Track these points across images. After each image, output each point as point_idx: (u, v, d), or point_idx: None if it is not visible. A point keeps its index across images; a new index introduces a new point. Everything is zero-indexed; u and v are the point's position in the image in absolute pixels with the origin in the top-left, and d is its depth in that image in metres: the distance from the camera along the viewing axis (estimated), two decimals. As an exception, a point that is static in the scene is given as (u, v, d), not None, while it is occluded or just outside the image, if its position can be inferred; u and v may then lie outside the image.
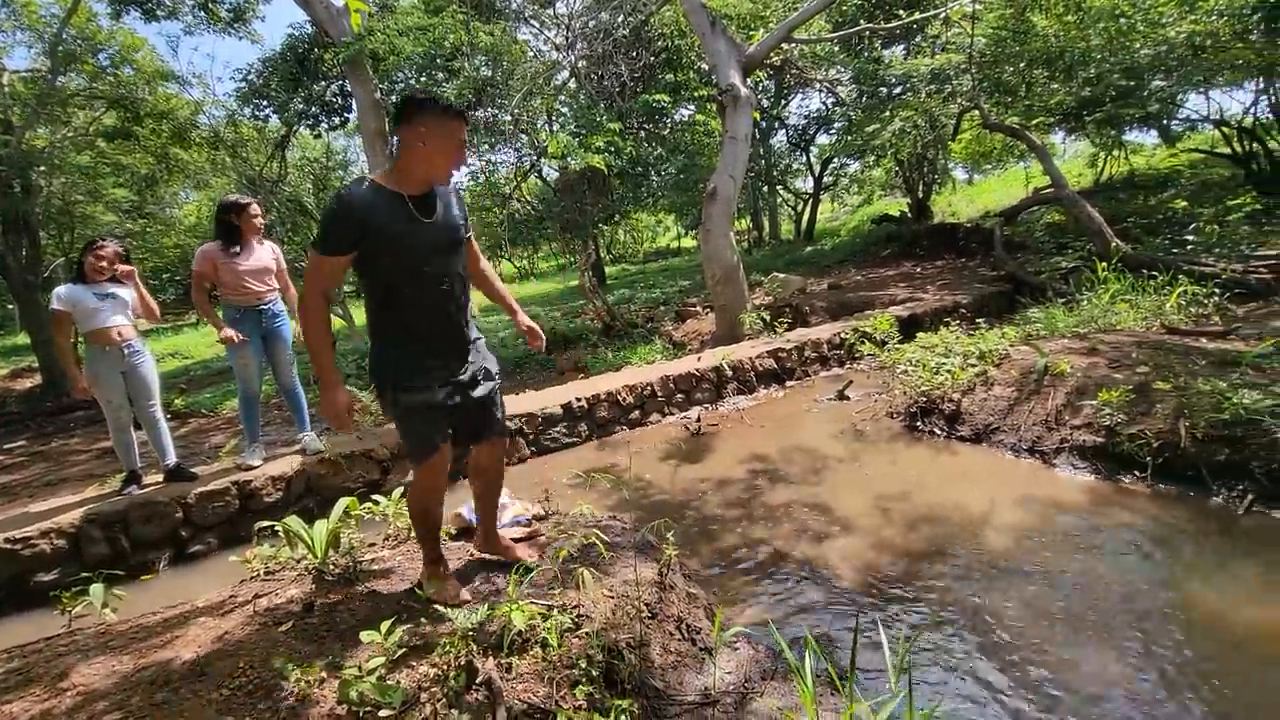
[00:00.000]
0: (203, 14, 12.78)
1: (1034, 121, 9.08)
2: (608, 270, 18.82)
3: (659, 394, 5.33)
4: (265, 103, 12.15)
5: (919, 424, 4.26)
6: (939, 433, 4.13)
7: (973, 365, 4.33)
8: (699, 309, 9.51)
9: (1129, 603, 2.26)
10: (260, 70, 11.77)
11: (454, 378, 2.01)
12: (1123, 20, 7.93)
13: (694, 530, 3.17)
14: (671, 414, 5.34)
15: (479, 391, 2.08)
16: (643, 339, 8.27)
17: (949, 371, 4.33)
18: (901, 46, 13.27)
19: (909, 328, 6.04)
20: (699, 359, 5.88)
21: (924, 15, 10.02)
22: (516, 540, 2.46)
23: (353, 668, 1.68)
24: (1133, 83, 8.75)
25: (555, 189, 11.82)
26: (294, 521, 2.44)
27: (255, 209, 3.91)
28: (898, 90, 11.51)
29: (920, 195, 14.57)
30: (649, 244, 29.74)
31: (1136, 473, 3.18)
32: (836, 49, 11.43)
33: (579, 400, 4.96)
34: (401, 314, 1.93)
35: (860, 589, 2.53)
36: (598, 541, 2.24)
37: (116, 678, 1.80)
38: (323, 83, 11.79)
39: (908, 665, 1.80)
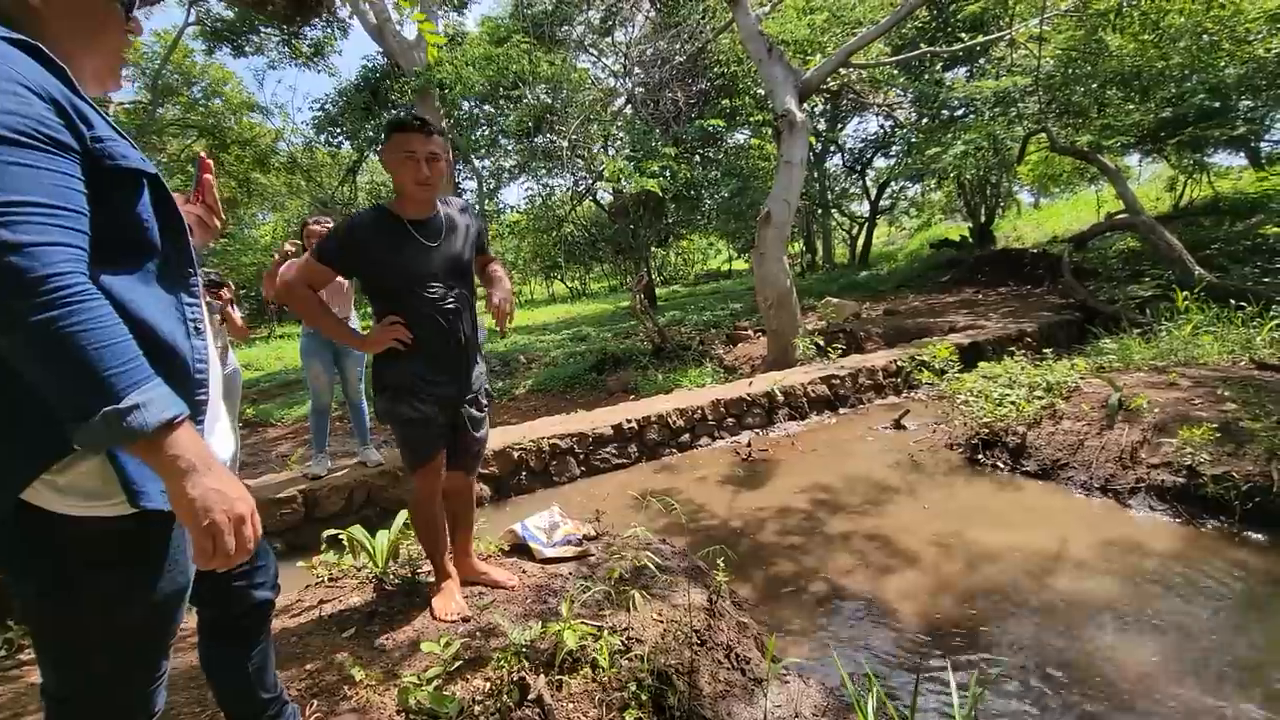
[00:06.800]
0: (286, 49, 13.79)
1: (1108, 143, 8.74)
2: (659, 292, 18.95)
3: (709, 418, 5.31)
4: (339, 130, 12.90)
5: (980, 457, 4.10)
6: (1002, 467, 3.97)
7: (1039, 397, 4.15)
8: (751, 332, 9.44)
9: (1219, 658, 2.11)
10: (336, 100, 12.52)
11: (451, 397, 2.06)
12: (1206, 38, 7.58)
13: (745, 557, 3.13)
14: (722, 438, 5.30)
15: (471, 415, 2.14)
16: (693, 361, 8.26)
17: (1013, 403, 4.16)
18: (964, 69, 13.02)
19: (970, 356, 5.83)
20: (750, 383, 5.84)
21: (988, 38, 9.84)
22: (566, 559, 2.49)
23: (412, 676, 1.73)
24: (1218, 103, 8.34)
25: (609, 212, 12.04)
26: (358, 531, 2.54)
27: None
28: (960, 113, 11.30)
29: (983, 220, 14.17)
30: (700, 266, 29.81)
31: (1222, 517, 2.98)
32: (896, 72, 11.32)
33: (629, 421, 4.99)
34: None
35: (920, 629, 2.43)
36: (649, 564, 2.24)
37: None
38: (393, 110, 12.43)
39: (975, 715, 1.72)
